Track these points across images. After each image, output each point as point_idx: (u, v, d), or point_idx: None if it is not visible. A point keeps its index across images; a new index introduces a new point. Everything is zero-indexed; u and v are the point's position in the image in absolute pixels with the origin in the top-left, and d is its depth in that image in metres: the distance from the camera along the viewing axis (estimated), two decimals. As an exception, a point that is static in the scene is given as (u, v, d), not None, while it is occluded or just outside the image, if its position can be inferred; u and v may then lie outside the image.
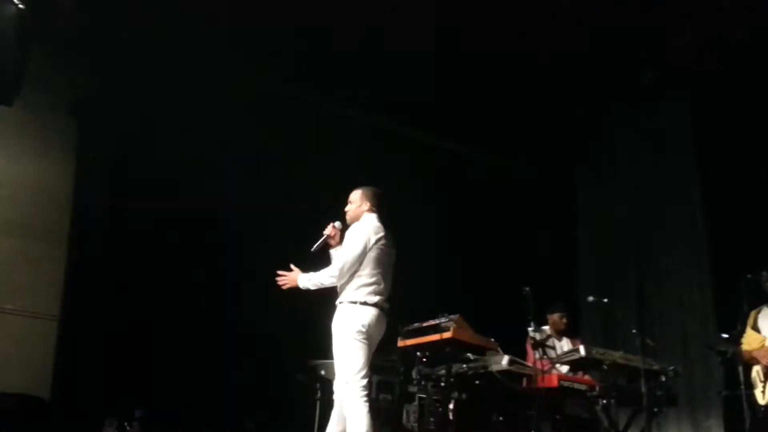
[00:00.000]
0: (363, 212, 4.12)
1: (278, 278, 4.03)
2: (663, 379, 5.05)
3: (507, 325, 5.16)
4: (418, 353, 4.87)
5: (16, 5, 5.33)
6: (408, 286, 6.85)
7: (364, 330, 3.81)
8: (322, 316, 5.79)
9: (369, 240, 3.96)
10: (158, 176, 6.30)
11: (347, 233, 4.05)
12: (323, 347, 6.08)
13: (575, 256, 8.08)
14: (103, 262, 6.19)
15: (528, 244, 7.63)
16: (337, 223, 4.21)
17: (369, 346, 3.85)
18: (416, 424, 5.09)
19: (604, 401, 4.94)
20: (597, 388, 4.95)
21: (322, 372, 5.60)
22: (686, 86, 7.21)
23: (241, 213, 6.58)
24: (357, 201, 4.16)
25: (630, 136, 7.83)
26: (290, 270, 4.02)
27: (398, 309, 5.49)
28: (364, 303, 3.86)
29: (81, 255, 6.13)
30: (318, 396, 5.41)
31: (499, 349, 4.84)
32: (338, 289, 3.98)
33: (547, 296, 5.55)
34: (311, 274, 3.97)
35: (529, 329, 4.86)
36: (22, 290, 6.00)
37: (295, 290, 4.02)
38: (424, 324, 4.73)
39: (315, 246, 4.15)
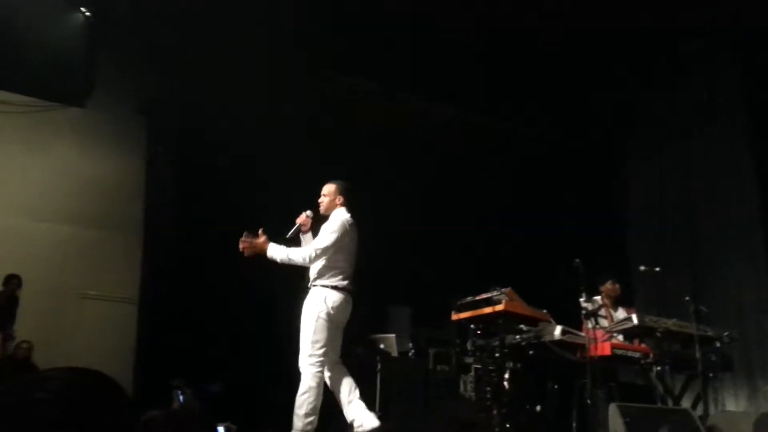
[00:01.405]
0: (336, 206, 4.36)
1: (242, 242, 4.16)
2: (717, 344, 5.05)
3: (561, 297, 5.15)
4: (472, 326, 5.00)
5: (84, 14, 5.72)
6: (461, 260, 7.04)
7: (332, 312, 4.08)
8: (381, 292, 5.93)
9: (345, 232, 4.21)
10: (221, 168, 6.55)
11: (324, 224, 4.28)
12: (381, 320, 6.25)
13: (627, 228, 8.02)
14: (175, 249, 6.48)
15: (580, 218, 7.59)
16: (309, 212, 4.44)
17: (334, 326, 4.12)
18: (473, 393, 5.25)
19: (659, 368, 4.96)
20: (651, 355, 4.99)
21: (381, 345, 5.82)
22: (737, 50, 7.01)
23: (300, 198, 6.77)
24: (331, 195, 4.38)
25: (679, 107, 7.65)
26: (256, 236, 4.17)
27: (450, 283, 5.65)
28: (335, 287, 4.14)
29: (155, 243, 6.48)
30: (378, 369, 5.56)
31: (551, 319, 4.91)
32: (309, 274, 4.22)
33: (600, 268, 5.58)
34: (284, 247, 4.17)
35: (581, 300, 4.86)
36: (103, 277, 6.40)
37: (256, 257, 4.17)
38: (477, 297, 4.89)
39: (290, 233, 4.36)
